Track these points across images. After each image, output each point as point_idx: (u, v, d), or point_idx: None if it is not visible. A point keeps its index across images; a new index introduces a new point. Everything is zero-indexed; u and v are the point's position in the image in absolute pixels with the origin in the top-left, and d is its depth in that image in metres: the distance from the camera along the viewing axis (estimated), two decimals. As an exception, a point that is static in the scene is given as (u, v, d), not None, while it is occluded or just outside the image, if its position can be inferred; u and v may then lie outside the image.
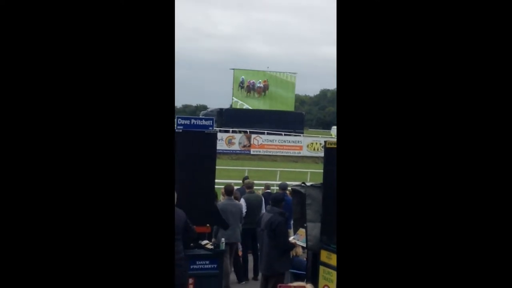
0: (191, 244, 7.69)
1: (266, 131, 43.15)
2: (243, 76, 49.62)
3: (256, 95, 50.09)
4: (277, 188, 13.63)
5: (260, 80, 50.17)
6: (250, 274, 10.33)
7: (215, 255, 7.86)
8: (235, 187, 11.87)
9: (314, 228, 6.83)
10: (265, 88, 50.43)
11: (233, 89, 49.68)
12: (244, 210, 10.12)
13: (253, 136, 41.62)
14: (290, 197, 9.63)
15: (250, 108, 49.05)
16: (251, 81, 49.70)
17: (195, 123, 8.94)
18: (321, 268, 6.63)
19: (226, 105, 50.52)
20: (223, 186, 10.20)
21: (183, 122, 8.78)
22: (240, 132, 42.26)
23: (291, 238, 7.97)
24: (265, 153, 41.27)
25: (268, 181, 17.29)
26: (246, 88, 49.61)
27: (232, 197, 9.60)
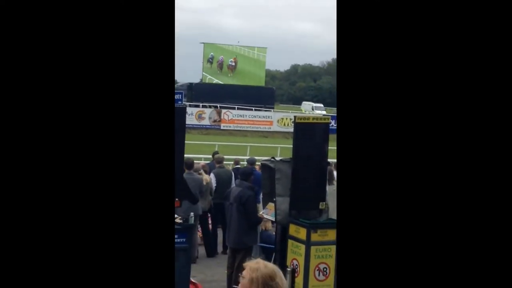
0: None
1: (236, 106, 43.06)
2: (212, 53, 49.35)
3: (228, 72, 49.94)
4: (246, 163, 13.65)
5: (231, 59, 49.96)
6: (220, 248, 10.38)
7: (184, 229, 7.87)
8: (206, 162, 11.85)
9: (283, 202, 6.88)
10: (236, 65, 50.30)
11: (203, 63, 49.38)
12: (214, 185, 10.13)
13: (223, 111, 41.51)
14: (259, 171, 9.67)
15: (220, 83, 48.87)
16: (221, 57, 49.48)
17: (164, 97, 8.83)
18: (290, 242, 6.69)
19: (196, 80, 50.22)
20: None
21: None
22: (210, 107, 42.10)
23: (260, 213, 8.02)
24: (236, 128, 41.25)
25: (238, 156, 17.31)
26: (218, 65, 49.42)
27: (192, 170, 9.57)
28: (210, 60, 49.22)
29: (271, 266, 2.75)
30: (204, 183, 9.84)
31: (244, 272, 2.76)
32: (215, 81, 49.05)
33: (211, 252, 10.14)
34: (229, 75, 49.86)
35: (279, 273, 2.73)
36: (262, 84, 50.92)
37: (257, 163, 11.60)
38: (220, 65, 49.66)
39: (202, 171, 10.10)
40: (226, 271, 8.26)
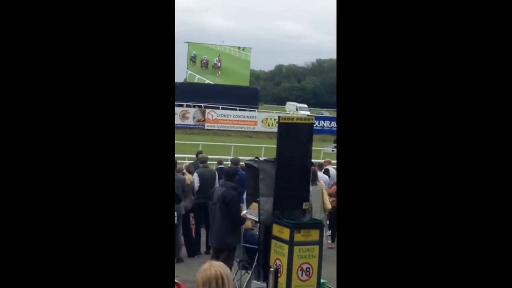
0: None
1: (220, 106, 43.03)
2: (194, 52, 49.32)
3: (212, 71, 49.93)
4: (230, 163, 13.64)
5: (216, 58, 49.98)
6: (203, 248, 10.36)
7: (167, 229, 7.85)
8: (190, 162, 11.80)
9: (267, 202, 6.87)
10: (221, 64, 50.33)
11: (187, 63, 49.32)
12: (197, 184, 10.11)
13: (207, 110, 41.47)
14: (243, 171, 9.66)
15: (204, 82, 48.82)
16: (205, 57, 49.47)
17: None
18: (273, 242, 6.68)
19: (180, 79, 50.10)
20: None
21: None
22: (194, 106, 42.02)
23: (243, 212, 8.01)
24: (220, 128, 41.22)
25: (222, 156, 17.30)
26: (204, 64, 49.40)
27: (175, 170, 9.54)
28: (193, 59, 49.18)
29: (209, 273, 2.76)
30: (188, 182, 9.81)
31: None
32: (200, 79, 48.98)
33: (193, 252, 10.11)
34: (216, 74, 49.86)
35: (215, 282, 2.73)
36: (247, 83, 50.94)
37: (241, 163, 11.58)
38: (205, 64, 49.63)
39: (185, 171, 10.08)
40: (209, 271, 8.23)
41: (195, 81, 48.49)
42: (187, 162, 12.69)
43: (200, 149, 19.57)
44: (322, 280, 6.73)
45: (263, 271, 6.95)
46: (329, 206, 10.98)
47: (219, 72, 49.97)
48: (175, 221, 8.12)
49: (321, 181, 11.25)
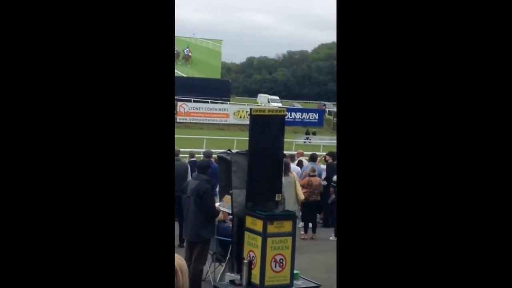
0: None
1: (192, 99, 42.88)
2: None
3: (184, 62, 49.69)
4: (202, 156, 13.63)
5: (187, 49, 49.78)
6: (176, 241, 10.35)
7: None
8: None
9: (240, 194, 6.89)
10: (192, 55, 50.18)
11: (158, 55, 49.11)
12: (170, 178, 10.08)
13: (179, 103, 41.27)
14: (215, 164, 9.66)
15: (176, 75, 48.60)
16: (176, 49, 49.28)
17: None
18: (246, 234, 6.71)
19: (151, 72, 49.82)
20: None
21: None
22: (166, 99, 41.80)
23: (216, 205, 8.02)
24: (192, 121, 41.10)
25: (194, 149, 17.26)
26: (175, 56, 49.23)
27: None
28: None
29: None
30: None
31: None
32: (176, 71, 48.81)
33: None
34: (187, 65, 49.60)
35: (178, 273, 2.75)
36: (218, 75, 50.84)
37: (213, 155, 11.58)
38: (176, 56, 49.41)
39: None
40: (183, 264, 8.23)
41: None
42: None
43: (172, 142, 19.47)
44: (295, 271, 6.79)
45: (237, 263, 6.98)
46: (302, 197, 11.05)
47: (190, 63, 49.76)
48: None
49: (294, 173, 11.33)
